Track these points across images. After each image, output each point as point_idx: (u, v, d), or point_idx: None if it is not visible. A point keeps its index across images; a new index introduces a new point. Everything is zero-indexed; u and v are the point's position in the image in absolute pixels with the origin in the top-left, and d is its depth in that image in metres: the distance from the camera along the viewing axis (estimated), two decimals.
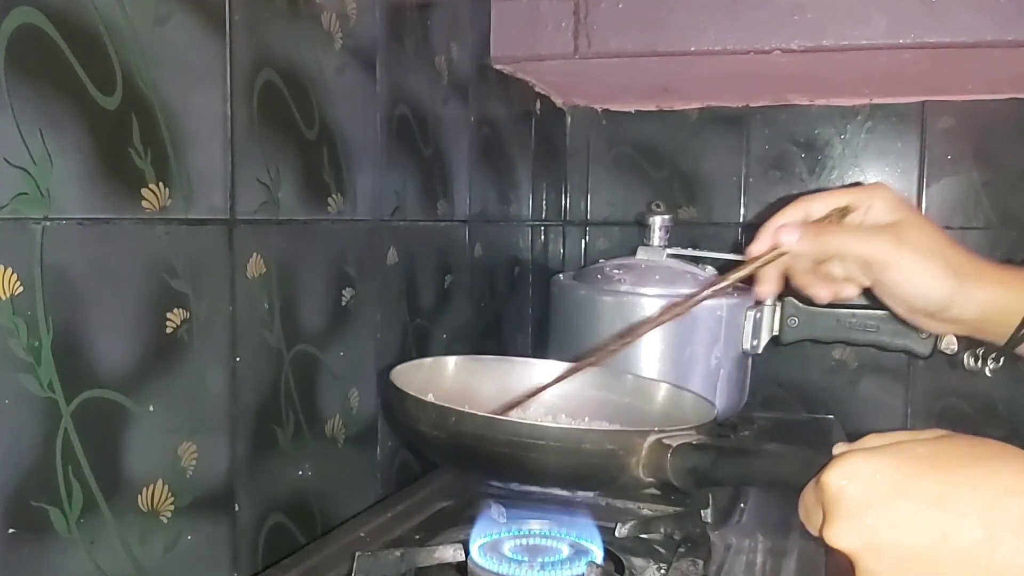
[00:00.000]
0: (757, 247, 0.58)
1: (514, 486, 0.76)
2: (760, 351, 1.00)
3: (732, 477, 0.55)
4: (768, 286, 0.59)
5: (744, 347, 0.99)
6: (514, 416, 0.68)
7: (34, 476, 0.49)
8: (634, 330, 0.61)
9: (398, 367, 0.69)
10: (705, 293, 0.58)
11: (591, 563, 0.61)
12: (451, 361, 0.75)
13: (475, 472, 0.61)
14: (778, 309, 1.00)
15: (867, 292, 0.60)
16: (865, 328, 0.98)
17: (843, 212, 0.59)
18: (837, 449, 0.44)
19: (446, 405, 0.59)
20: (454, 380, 0.74)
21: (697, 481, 0.55)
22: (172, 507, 0.59)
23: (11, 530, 0.48)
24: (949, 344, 0.95)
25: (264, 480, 0.69)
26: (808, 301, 1.00)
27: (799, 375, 1.36)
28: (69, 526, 0.51)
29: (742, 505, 0.81)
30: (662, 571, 0.62)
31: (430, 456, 0.67)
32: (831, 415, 1.33)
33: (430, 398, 0.71)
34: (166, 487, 0.58)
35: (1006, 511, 0.37)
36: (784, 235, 0.57)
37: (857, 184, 0.57)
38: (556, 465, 0.56)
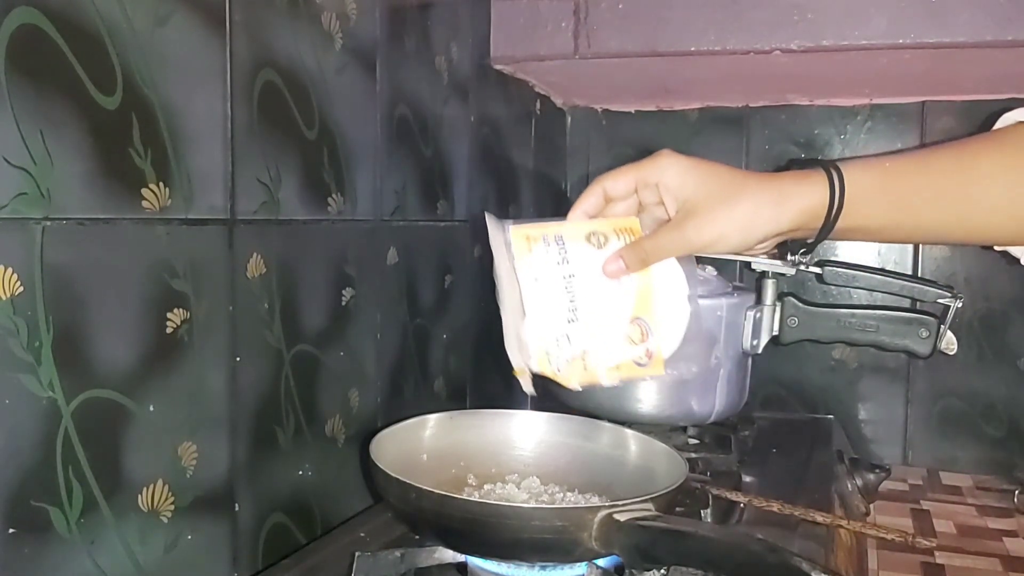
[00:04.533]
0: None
1: None
2: (760, 351, 1.00)
3: (669, 557, 0.57)
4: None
5: (744, 347, 0.99)
6: (471, 494, 0.71)
7: (34, 476, 0.49)
8: None
9: (381, 433, 0.70)
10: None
11: (591, 563, 0.61)
12: (431, 419, 0.77)
13: (440, 542, 0.64)
14: (778, 309, 1.00)
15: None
16: (865, 328, 0.98)
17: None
18: None
19: (407, 481, 0.60)
20: (444, 437, 0.77)
21: (642, 556, 0.57)
22: (172, 507, 0.59)
23: (11, 530, 0.48)
24: (949, 344, 0.95)
25: (264, 480, 0.69)
26: (808, 302, 1.00)
27: (799, 375, 1.36)
28: (69, 526, 0.51)
29: (742, 505, 0.82)
30: (662, 571, 0.63)
31: (403, 524, 0.71)
32: (831, 415, 1.33)
33: (423, 459, 0.73)
34: (166, 487, 0.58)
35: None
36: (612, 271, 0.60)
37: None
38: (510, 540, 0.58)
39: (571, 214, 0.61)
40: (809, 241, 0.60)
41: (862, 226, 0.58)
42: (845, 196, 0.56)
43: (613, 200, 0.61)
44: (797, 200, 0.57)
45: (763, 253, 0.64)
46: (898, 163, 0.59)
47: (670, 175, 0.58)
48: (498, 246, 0.61)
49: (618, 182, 0.60)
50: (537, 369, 0.59)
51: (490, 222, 0.61)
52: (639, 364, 0.60)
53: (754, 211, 0.57)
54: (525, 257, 0.59)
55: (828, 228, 0.57)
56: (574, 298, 0.59)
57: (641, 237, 0.60)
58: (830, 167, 0.57)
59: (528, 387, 0.61)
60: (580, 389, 0.60)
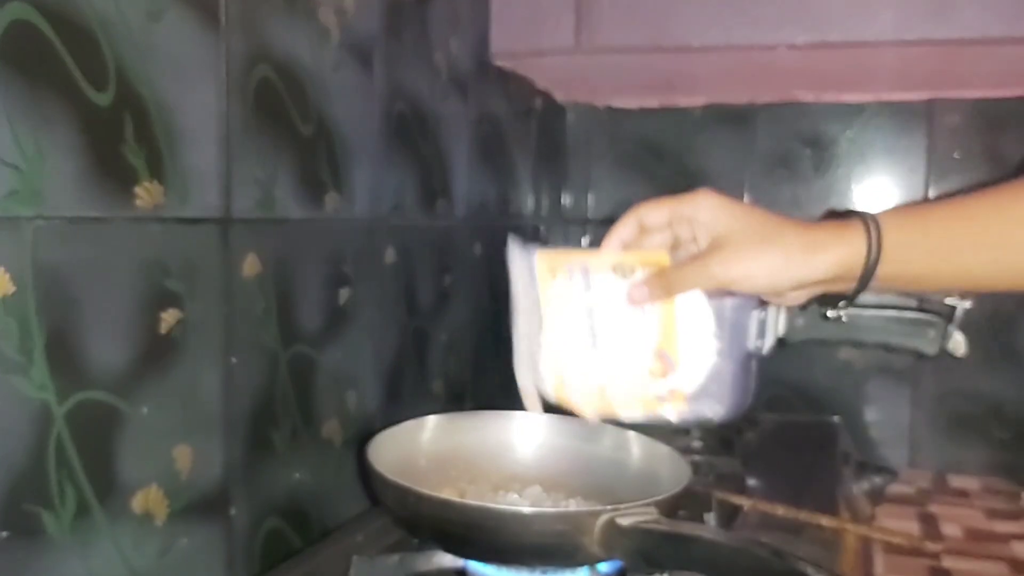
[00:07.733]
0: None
1: None
2: (765, 352, 0.99)
3: (672, 562, 0.56)
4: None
5: (749, 348, 0.98)
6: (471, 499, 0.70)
7: (27, 479, 0.48)
8: None
9: (378, 436, 0.69)
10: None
11: (593, 568, 0.60)
12: (430, 421, 0.75)
13: (439, 547, 0.64)
14: (783, 309, 0.99)
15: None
16: (871, 328, 0.97)
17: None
18: None
19: (406, 485, 0.60)
20: (443, 440, 0.75)
21: (645, 561, 0.56)
22: (167, 511, 0.58)
23: (3, 533, 0.47)
24: (957, 345, 0.94)
25: (260, 483, 0.68)
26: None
27: (805, 376, 1.35)
28: (62, 530, 0.50)
29: (746, 509, 0.81)
30: (663, 572, 0.62)
31: (401, 528, 0.69)
32: (837, 416, 1.32)
33: (422, 463, 0.72)
34: (160, 490, 0.58)
35: None
36: (636, 298, 0.60)
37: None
38: (511, 545, 0.57)
39: (605, 242, 0.60)
40: (848, 293, 0.59)
41: (901, 274, 0.57)
42: (883, 245, 0.55)
43: (648, 231, 0.60)
44: (833, 250, 0.56)
45: (800, 303, 0.63)
46: (935, 210, 0.58)
47: (705, 210, 0.58)
48: (519, 270, 0.60)
49: (654, 213, 0.60)
50: (552, 394, 0.59)
51: (514, 247, 0.60)
52: (660, 399, 0.60)
53: (784, 256, 0.56)
54: (548, 283, 0.59)
55: (867, 277, 0.56)
56: (595, 326, 0.59)
57: (668, 267, 0.59)
58: (867, 217, 0.56)
59: (534, 407, 0.60)
60: (598, 420, 0.60)
